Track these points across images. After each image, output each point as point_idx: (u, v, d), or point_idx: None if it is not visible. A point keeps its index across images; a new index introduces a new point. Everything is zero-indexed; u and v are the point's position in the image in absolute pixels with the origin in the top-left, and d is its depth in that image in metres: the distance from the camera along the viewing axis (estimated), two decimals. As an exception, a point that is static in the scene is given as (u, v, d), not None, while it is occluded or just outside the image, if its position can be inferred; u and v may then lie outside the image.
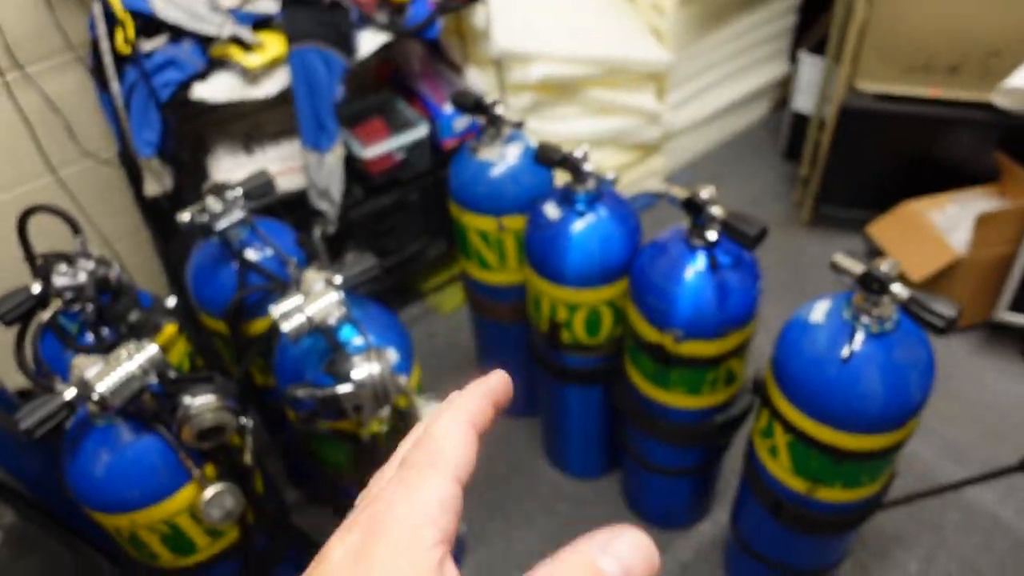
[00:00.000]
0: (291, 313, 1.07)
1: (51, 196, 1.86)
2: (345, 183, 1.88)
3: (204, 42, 1.61)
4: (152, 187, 1.75)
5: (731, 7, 2.51)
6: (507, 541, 1.79)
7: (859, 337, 1.06)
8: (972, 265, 2.04)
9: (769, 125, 3.01)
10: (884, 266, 1.00)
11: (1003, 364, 2.09)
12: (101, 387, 0.98)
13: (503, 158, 1.53)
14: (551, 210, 1.39)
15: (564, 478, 1.91)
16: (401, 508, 0.29)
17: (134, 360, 1.02)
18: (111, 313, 1.23)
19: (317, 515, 1.89)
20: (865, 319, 1.06)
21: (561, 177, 1.41)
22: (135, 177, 1.82)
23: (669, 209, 1.22)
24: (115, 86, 1.59)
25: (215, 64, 1.63)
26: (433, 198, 2.12)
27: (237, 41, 1.61)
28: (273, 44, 1.64)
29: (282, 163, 1.87)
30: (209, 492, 1.12)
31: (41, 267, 1.18)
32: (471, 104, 1.47)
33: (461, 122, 2.02)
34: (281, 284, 1.34)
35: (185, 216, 1.28)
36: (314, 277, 1.13)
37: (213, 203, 1.26)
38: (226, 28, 1.58)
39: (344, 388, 1.08)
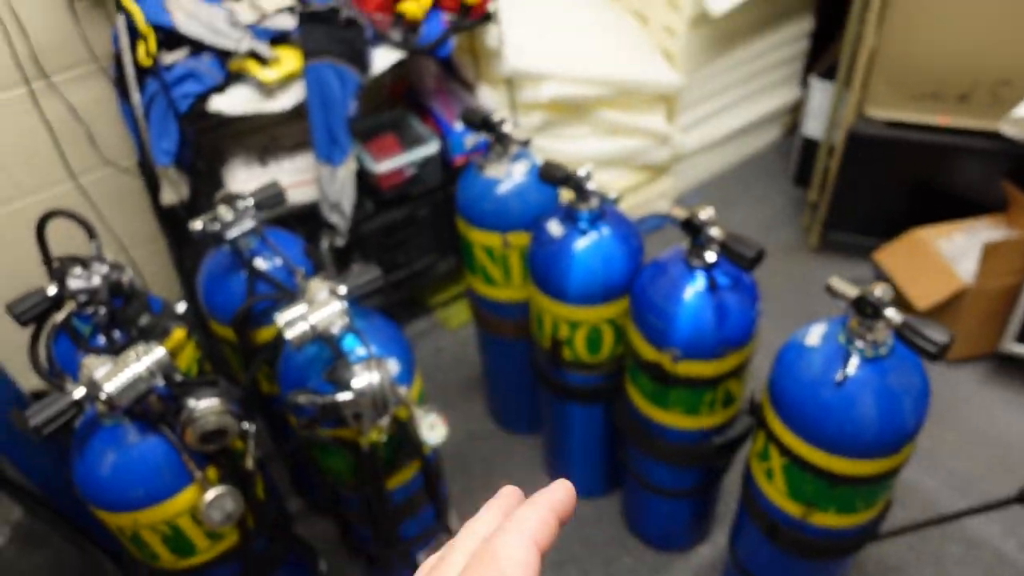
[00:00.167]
0: (295, 321, 1.10)
1: (72, 202, 1.92)
2: (357, 197, 1.91)
3: (223, 56, 1.66)
4: (169, 196, 1.80)
5: (743, 31, 2.54)
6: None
7: (853, 361, 1.07)
8: (979, 295, 2.04)
9: (780, 149, 3.03)
10: (878, 291, 1.02)
11: (1010, 395, 2.08)
12: (109, 387, 1.01)
13: (509, 175, 1.56)
14: (554, 227, 1.42)
15: (564, 495, 1.92)
16: None
17: (142, 362, 1.05)
18: (123, 317, 1.26)
19: (319, 524, 1.90)
20: (860, 343, 1.07)
21: (566, 195, 1.44)
22: (153, 186, 1.87)
23: (678, 232, 1.23)
24: (136, 97, 1.64)
25: (233, 77, 1.68)
26: (443, 214, 2.16)
27: (255, 56, 1.66)
28: (289, 59, 1.68)
29: (296, 176, 1.91)
30: (210, 495, 1.14)
31: (57, 270, 1.22)
32: (479, 122, 1.51)
33: (472, 139, 2.05)
34: (289, 293, 1.37)
35: (197, 224, 1.32)
36: (319, 286, 1.15)
37: (225, 212, 1.30)
38: (244, 43, 1.62)
39: (344, 396, 1.10)
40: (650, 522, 1.76)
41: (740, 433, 1.44)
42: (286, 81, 1.71)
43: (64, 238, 1.37)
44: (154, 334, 1.27)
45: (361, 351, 1.19)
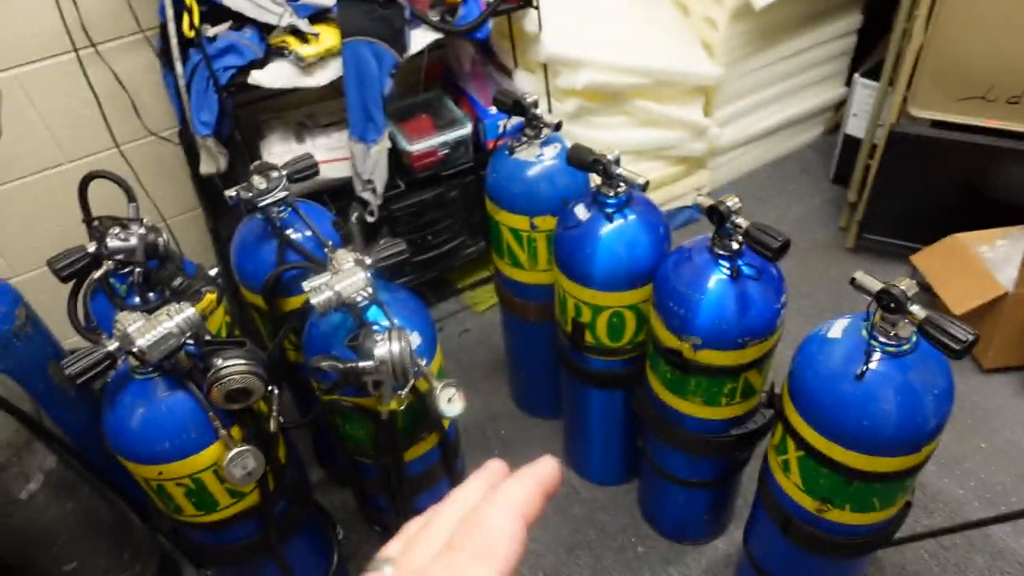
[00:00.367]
0: (321, 288, 1.12)
1: (114, 168, 1.96)
2: (389, 175, 1.94)
3: (264, 30, 1.69)
4: (207, 166, 1.84)
5: (788, 25, 2.50)
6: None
7: (875, 356, 1.06)
8: (1019, 303, 1.99)
9: (820, 148, 2.98)
10: (902, 285, 1.00)
11: (1046, 407, 2.03)
12: (141, 341, 1.05)
13: (540, 159, 1.57)
14: (581, 211, 1.42)
15: (582, 482, 1.93)
16: None
17: (173, 320, 1.08)
18: (157, 277, 1.30)
19: (338, 494, 1.94)
20: (882, 338, 1.06)
21: (596, 181, 1.44)
22: (192, 156, 1.92)
23: (711, 225, 1.23)
24: (179, 68, 1.68)
25: (272, 52, 1.71)
26: (474, 197, 2.17)
27: (295, 31, 1.69)
28: (328, 36, 1.71)
29: (330, 152, 1.94)
30: (233, 452, 1.18)
31: (96, 229, 1.26)
32: (511, 104, 1.51)
33: (506, 124, 2.06)
34: (317, 264, 1.40)
35: (231, 192, 1.35)
36: (345, 256, 1.18)
37: (258, 181, 1.33)
38: (285, 18, 1.65)
39: (366, 363, 1.12)
40: (665, 512, 1.76)
41: (759, 426, 1.44)
42: (324, 57, 1.74)
43: (105, 201, 1.42)
44: (187, 296, 1.30)
45: (384, 322, 1.22)
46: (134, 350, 1.07)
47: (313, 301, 1.13)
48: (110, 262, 1.28)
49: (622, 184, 1.37)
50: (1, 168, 1.89)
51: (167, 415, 1.15)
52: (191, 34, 1.64)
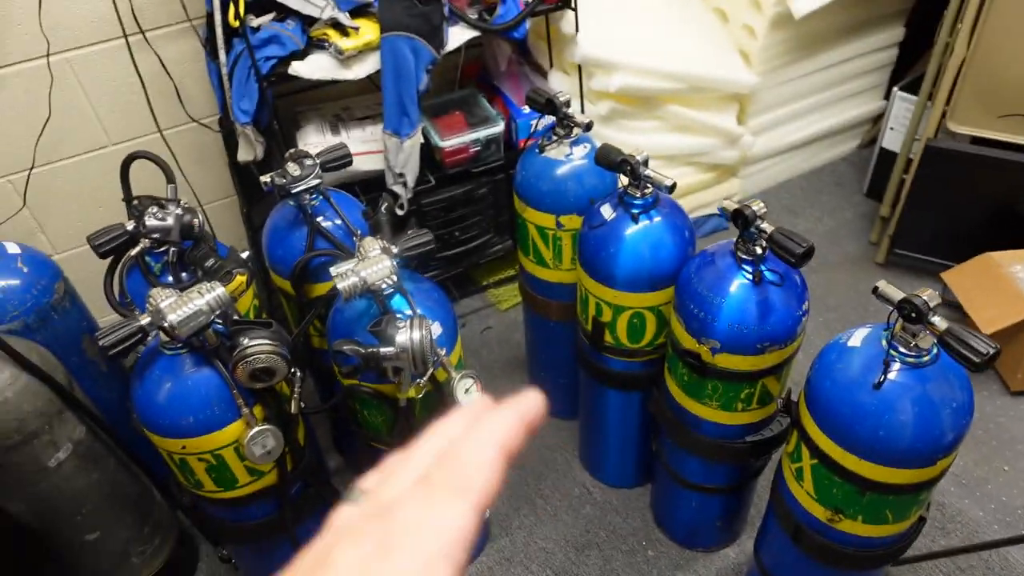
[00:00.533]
0: (347, 273, 1.15)
1: (155, 152, 2.03)
2: (420, 170, 1.97)
3: (306, 23, 1.73)
4: (245, 153, 1.89)
5: (827, 36, 2.48)
6: (529, 535, 1.83)
7: (894, 366, 1.06)
8: (1051, 325, 1.95)
9: (855, 161, 2.95)
10: (924, 295, 1.00)
11: (1074, 432, 1.99)
12: (172, 317, 1.09)
13: (569, 158, 1.58)
14: (606, 211, 1.43)
15: (595, 483, 1.94)
16: (421, 535, 0.28)
17: (204, 298, 1.12)
18: (191, 257, 1.35)
19: (356, 479, 1.97)
20: (902, 348, 1.05)
21: (623, 182, 1.45)
22: (231, 143, 1.97)
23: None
24: (223, 56, 1.73)
25: (313, 44, 1.75)
26: (503, 195, 2.19)
27: (336, 24, 1.73)
28: (368, 30, 1.75)
29: (364, 145, 1.98)
30: (254, 430, 1.21)
31: (136, 208, 1.31)
32: (543, 102, 1.53)
33: (539, 124, 2.08)
34: (346, 251, 1.43)
35: (266, 178, 1.39)
36: (372, 244, 1.20)
37: (292, 168, 1.36)
38: (327, 11, 1.69)
39: (386, 349, 1.15)
40: (678, 517, 1.75)
41: (775, 434, 1.43)
42: (363, 51, 1.77)
43: (146, 184, 1.47)
44: (218, 276, 1.34)
45: (407, 311, 1.24)
46: (165, 325, 1.10)
47: (339, 286, 1.15)
48: (147, 240, 1.33)
49: (649, 185, 1.38)
50: (48, 148, 1.96)
51: (193, 390, 1.19)
52: (236, 24, 1.69)
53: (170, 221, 1.31)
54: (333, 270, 1.18)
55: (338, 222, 1.48)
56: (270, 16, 1.74)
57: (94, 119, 1.98)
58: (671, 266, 1.41)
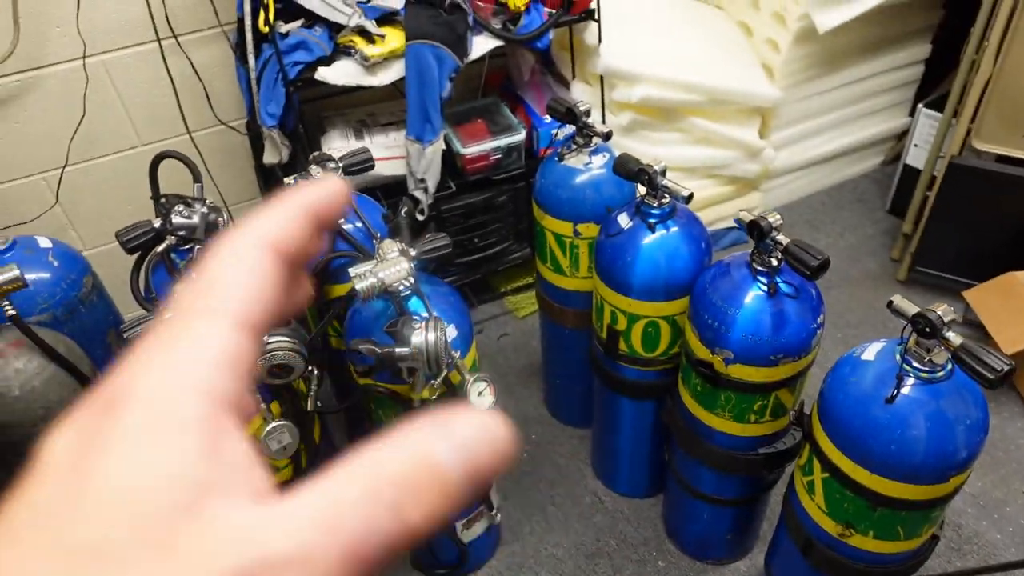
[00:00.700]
0: (365, 274, 1.17)
1: (183, 153, 2.08)
2: (441, 176, 1.99)
3: (333, 29, 1.77)
4: (270, 156, 1.93)
5: (852, 51, 2.48)
6: (540, 542, 1.83)
7: (907, 381, 1.05)
8: (1075, 346, 1.92)
9: (878, 178, 2.93)
10: (939, 310, 1.00)
11: (1097, 457, 1.95)
12: (193, 312, 1.11)
13: (588, 167, 1.60)
14: (623, 220, 1.44)
15: (607, 492, 1.94)
16: (151, 373, 0.21)
17: (224, 294, 1.14)
18: (214, 255, 1.38)
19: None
20: (916, 363, 1.05)
21: (641, 192, 1.46)
22: (257, 146, 2.01)
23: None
24: (252, 61, 1.77)
25: (340, 51, 1.79)
26: (523, 203, 2.21)
27: (362, 32, 1.76)
28: (393, 38, 1.78)
29: (387, 150, 2.01)
30: (271, 426, 1.23)
31: (163, 206, 1.34)
32: (563, 111, 1.55)
33: (560, 133, 2.10)
34: (365, 254, 1.45)
35: (289, 180, 1.42)
36: (391, 246, 1.23)
37: (316, 170, 1.39)
38: (355, 18, 1.73)
39: (402, 349, 1.17)
40: (689, 528, 1.75)
41: (788, 447, 1.43)
42: (388, 58, 1.81)
43: (174, 185, 1.51)
44: (239, 274, 1.37)
45: (423, 313, 1.26)
46: (187, 319, 1.13)
47: (357, 286, 1.17)
48: (172, 237, 1.36)
49: (666, 195, 1.39)
50: (82, 147, 2.01)
51: (213, 384, 1.21)
52: (265, 30, 1.73)
53: (196, 219, 1.34)
54: (352, 271, 1.20)
55: (359, 224, 1.50)
56: (298, 23, 1.78)
57: (126, 120, 2.03)
58: (687, 276, 1.42)
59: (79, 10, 1.82)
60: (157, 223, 1.37)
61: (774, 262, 1.23)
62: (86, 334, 1.54)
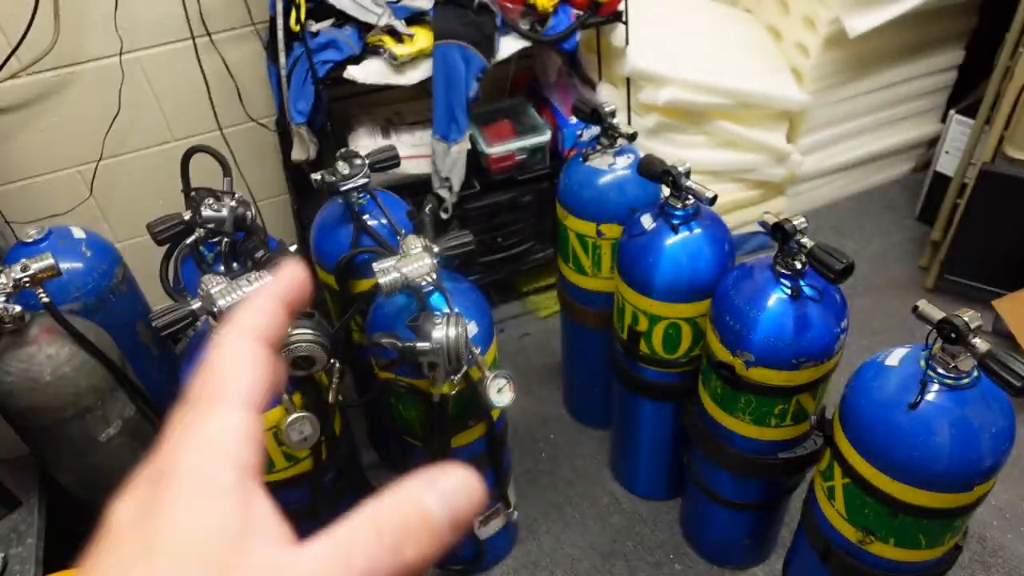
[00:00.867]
0: (389, 269, 1.19)
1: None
2: (466, 175, 2.01)
3: (363, 29, 1.79)
4: (298, 153, 1.96)
5: (883, 56, 2.45)
6: (556, 541, 1.83)
7: (932, 387, 1.04)
8: (1109, 360, 1.88)
9: (908, 185, 2.89)
10: (965, 316, 0.99)
11: None
12: (221, 302, 1.13)
13: (612, 168, 1.60)
14: (647, 221, 1.44)
15: (625, 493, 1.93)
16: (188, 451, 0.26)
17: (252, 285, 1.16)
18: (242, 248, 1.40)
19: (387, 477, 2.01)
20: (941, 370, 1.04)
21: (665, 193, 1.46)
22: (286, 144, 2.04)
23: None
24: (283, 59, 1.80)
25: (369, 50, 1.81)
26: (547, 204, 2.21)
27: (391, 31, 1.78)
28: (422, 38, 1.80)
29: (413, 149, 2.03)
30: (292, 416, 1.25)
31: (193, 199, 1.37)
32: (589, 112, 1.55)
33: (585, 134, 2.10)
34: (390, 249, 1.47)
35: (317, 175, 1.44)
36: (414, 242, 1.24)
37: (342, 166, 1.41)
38: (384, 18, 1.75)
39: (423, 344, 1.18)
40: (706, 532, 1.74)
41: (808, 452, 1.41)
42: (416, 58, 1.82)
43: (204, 178, 1.54)
44: (267, 267, 1.39)
45: (445, 309, 1.27)
46: (215, 310, 1.15)
47: (380, 281, 1.19)
48: (202, 230, 1.39)
49: (690, 197, 1.39)
50: (115, 141, 2.06)
51: (238, 374, 1.24)
52: (296, 28, 1.76)
53: (225, 212, 1.37)
54: (375, 265, 1.21)
55: (383, 221, 1.52)
56: (329, 22, 1.81)
57: (159, 115, 2.08)
58: (709, 277, 1.41)
59: (117, 8, 1.86)
60: (187, 216, 1.40)
61: (798, 265, 1.22)
62: (116, 324, 1.57)
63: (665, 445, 1.76)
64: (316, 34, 1.79)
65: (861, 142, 2.70)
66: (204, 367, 0.29)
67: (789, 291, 1.23)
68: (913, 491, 1.09)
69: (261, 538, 0.25)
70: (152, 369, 1.71)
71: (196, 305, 1.17)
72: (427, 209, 1.44)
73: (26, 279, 1.23)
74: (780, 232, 1.19)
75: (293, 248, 1.47)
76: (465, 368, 1.25)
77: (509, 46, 1.90)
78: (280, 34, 1.79)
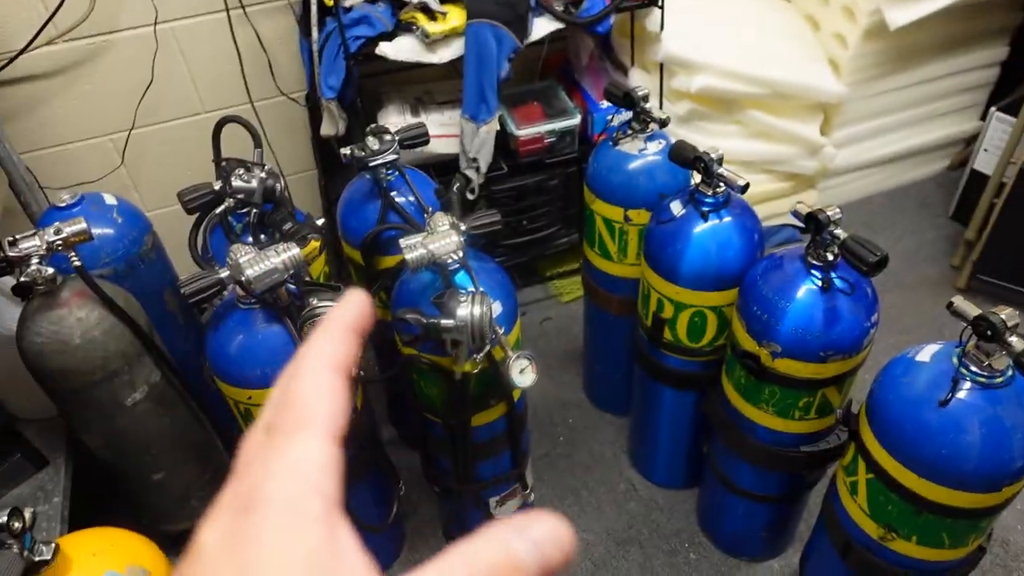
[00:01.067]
0: (415, 245, 1.19)
1: (245, 122, 2.13)
2: (494, 156, 2.00)
3: (396, 5, 1.78)
4: (328, 128, 1.96)
5: (924, 50, 2.40)
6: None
7: (963, 384, 1.02)
8: None
9: (943, 182, 2.83)
10: (1003, 314, 0.96)
11: None
12: (249, 272, 1.14)
13: (642, 153, 1.58)
14: (676, 207, 1.43)
15: (642, 481, 1.93)
16: (276, 480, 0.27)
17: (280, 257, 1.17)
18: (270, 220, 1.41)
19: (405, 456, 2.02)
20: (974, 367, 1.02)
21: (695, 180, 1.44)
22: (315, 119, 2.04)
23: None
24: (315, 33, 1.80)
25: (401, 27, 1.80)
26: (574, 188, 2.20)
27: (424, 8, 1.77)
28: (455, 16, 1.78)
29: (442, 128, 2.02)
30: (315, 389, 1.26)
31: (224, 169, 1.38)
32: (621, 95, 1.53)
33: (615, 119, 2.08)
34: (416, 227, 1.47)
35: (347, 150, 1.44)
36: (442, 219, 1.24)
37: (372, 142, 1.41)
38: (418, -6, 1.74)
39: (447, 321, 1.18)
40: (723, 523, 1.73)
41: (831, 447, 1.40)
42: (448, 36, 1.81)
43: (233, 151, 1.55)
44: (294, 239, 1.40)
45: (470, 287, 1.27)
46: (242, 279, 1.16)
47: (407, 256, 1.19)
48: (231, 200, 1.40)
49: (721, 184, 1.37)
50: (148, 111, 2.07)
51: (262, 344, 1.25)
52: (330, 3, 1.75)
53: (254, 184, 1.37)
54: (402, 241, 1.21)
55: (411, 198, 1.52)
56: (363, -3, 1.80)
57: (191, 86, 2.09)
58: (737, 266, 1.40)
59: (153, -22, 1.87)
60: (217, 186, 1.41)
61: (830, 256, 1.20)
62: (144, 291, 1.59)
63: (685, 434, 1.75)
64: (349, 9, 1.78)
65: (897, 137, 2.64)
66: (286, 395, 0.29)
67: (820, 283, 1.22)
68: (939, 489, 1.07)
69: (345, 566, 0.26)
70: (177, 337, 1.73)
71: (224, 274, 1.18)
72: (455, 188, 1.44)
73: (59, 242, 1.25)
74: (814, 222, 1.17)
75: (320, 222, 1.47)
76: (488, 347, 1.25)
77: (542, 27, 1.88)
78: (313, 8, 1.79)
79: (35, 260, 1.25)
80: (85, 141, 2.08)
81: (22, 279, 1.26)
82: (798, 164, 2.44)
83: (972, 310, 1.00)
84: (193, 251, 1.42)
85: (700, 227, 1.40)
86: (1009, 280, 2.25)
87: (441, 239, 1.20)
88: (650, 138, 1.60)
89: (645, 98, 1.54)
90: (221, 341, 1.27)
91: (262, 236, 1.44)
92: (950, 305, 1.04)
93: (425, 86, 2.22)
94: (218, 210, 1.42)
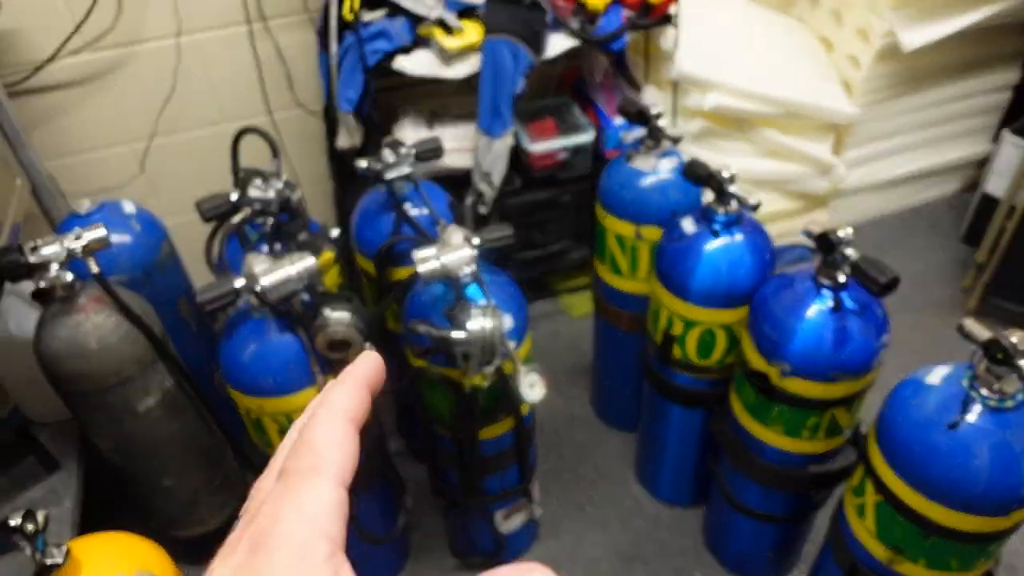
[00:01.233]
0: (428, 258, 1.20)
1: (262, 133, 2.16)
2: (507, 171, 2.02)
3: (414, 21, 1.81)
4: (344, 140, 1.98)
5: (937, 72, 2.40)
6: (577, 541, 1.83)
7: (973, 407, 1.02)
8: None
9: (954, 204, 2.82)
10: (1014, 337, 0.96)
11: None
12: (264, 281, 1.16)
13: (655, 170, 1.60)
14: (688, 224, 1.44)
15: (648, 498, 1.93)
16: (287, 521, 0.28)
17: (295, 267, 1.19)
18: (286, 230, 1.43)
19: (413, 468, 2.03)
20: (984, 391, 1.02)
21: (707, 198, 1.45)
22: (332, 131, 2.07)
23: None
24: (334, 47, 1.83)
25: (419, 42, 1.83)
26: (586, 203, 2.21)
27: (442, 24, 1.80)
28: (472, 31, 1.81)
29: (456, 142, 2.04)
30: (326, 398, 1.27)
31: (242, 179, 1.40)
32: (635, 113, 1.55)
33: (628, 136, 2.10)
34: (429, 239, 1.48)
35: (362, 163, 1.46)
36: (455, 232, 1.25)
37: (388, 154, 1.43)
38: (436, 11, 1.77)
39: (458, 334, 1.19)
40: (729, 542, 1.73)
41: (840, 468, 1.40)
42: (465, 51, 1.84)
43: (250, 160, 1.57)
44: (308, 250, 1.42)
45: (482, 300, 1.28)
46: (257, 288, 1.18)
47: (420, 269, 1.20)
48: (248, 209, 1.42)
49: (733, 202, 1.38)
50: (169, 121, 2.10)
51: (275, 353, 1.26)
52: (350, 17, 1.78)
53: (271, 194, 1.39)
54: (416, 253, 1.23)
55: (425, 211, 1.54)
56: (382, 12, 1.83)
57: (211, 98, 2.12)
58: (748, 284, 1.40)
59: (177, -9, 1.91)
60: (234, 196, 1.43)
61: (841, 277, 1.21)
62: (159, 298, 1.61)
63: (692, 451, 1.75)
64: (368, 23, 1.81)
65: (908, 158, 2.64)
66: (301, 441, 0.31)
67: (830, 303, 1.22)
68: (948, 512, 1.07)
69: None
70: (190, 345, 1.74)
71: (239, 283, 1.20)
72: (468, 201, 1.45)
73: (79, 249, 1.27)
74: (825, 242, 1.18)
75: (335, 233, 1.49)
76: (498, 361, 1.26)
77: (558, 44, 1.90)
78: (333, 22, 1.82)
79: (55, 266, 1.27)
80: (106, 149, 2.11)
81: (41, 284, 1.28)
82: (809, 184, 2.44)
83: (983, 333, 1.01)
84: (209, 259, 1.44)
85: (711, 245, 1.41)
86: (1021, 303, 2.24)
87: (454, 252, 1.22)
88: (663, 155, 1.61)
89: (659, 115, 1.56)
90: (235, 349, 1.28)
91: (278, 246, 1.46)
92: (961, 327, 1.04)
93: (441, 100, 2.24)
94: (235, 219, 1.44)
